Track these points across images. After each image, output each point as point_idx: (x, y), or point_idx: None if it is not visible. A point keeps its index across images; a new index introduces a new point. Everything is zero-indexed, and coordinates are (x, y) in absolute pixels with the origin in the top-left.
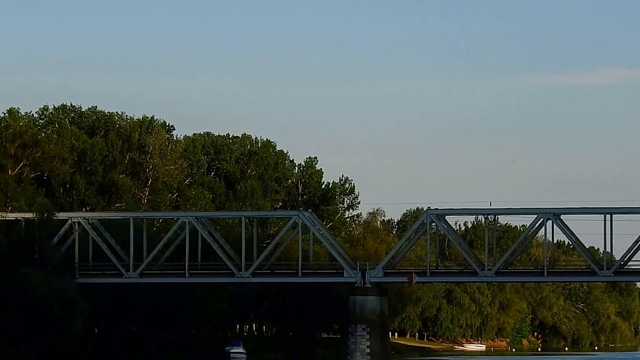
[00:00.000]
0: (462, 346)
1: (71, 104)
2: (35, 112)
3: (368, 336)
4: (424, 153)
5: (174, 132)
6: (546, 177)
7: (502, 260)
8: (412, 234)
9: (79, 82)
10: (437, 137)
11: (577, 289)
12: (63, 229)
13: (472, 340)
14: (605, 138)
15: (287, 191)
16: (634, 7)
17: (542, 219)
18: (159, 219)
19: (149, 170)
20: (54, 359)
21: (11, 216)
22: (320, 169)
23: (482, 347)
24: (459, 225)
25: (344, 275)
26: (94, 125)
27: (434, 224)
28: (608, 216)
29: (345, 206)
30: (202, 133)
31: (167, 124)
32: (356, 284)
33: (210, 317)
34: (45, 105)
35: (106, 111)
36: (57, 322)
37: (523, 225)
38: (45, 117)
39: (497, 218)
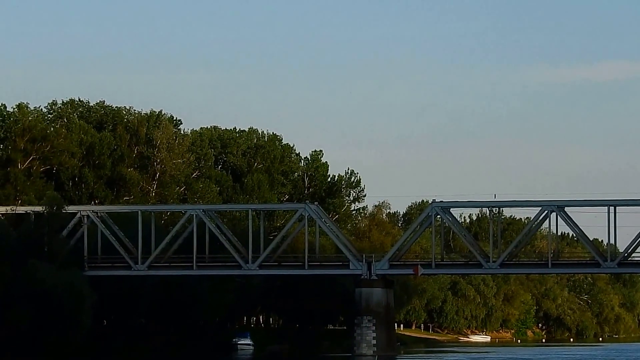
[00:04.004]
0: (467, 337)
1: (79, 99)
2: (44, 107)
3: (374, 328)
4: (429, 146)
5: (181, 126)
6: (550, 169)
7: (507, 252)
8: (417, 227)
9: (87, 77)
10: (441, 131)
11: (581, 280)
12: (72, 222)
13: (477, 331)
14: (608, 131)
15: (293, 184)
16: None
17: (546, 211)
18: (167, 212)
19: (156, 164)
20: (62, 351)
21: (21, 209)
22: (326, 162)
23: (487, 339)
24: (464, 217)
25: (350, 268)
26: (102, 119)
27: (439, 216)
28: (612, 208)
29: (351, 199)
30: (209, 127)
31: (174, 118)
32: (362, 276)
33: (218, 309)
34: (54, 100)
35: (114, 106)
36: (66, 315)
37: (527, 218)
38: (54, 111)
39: (502, 210)
